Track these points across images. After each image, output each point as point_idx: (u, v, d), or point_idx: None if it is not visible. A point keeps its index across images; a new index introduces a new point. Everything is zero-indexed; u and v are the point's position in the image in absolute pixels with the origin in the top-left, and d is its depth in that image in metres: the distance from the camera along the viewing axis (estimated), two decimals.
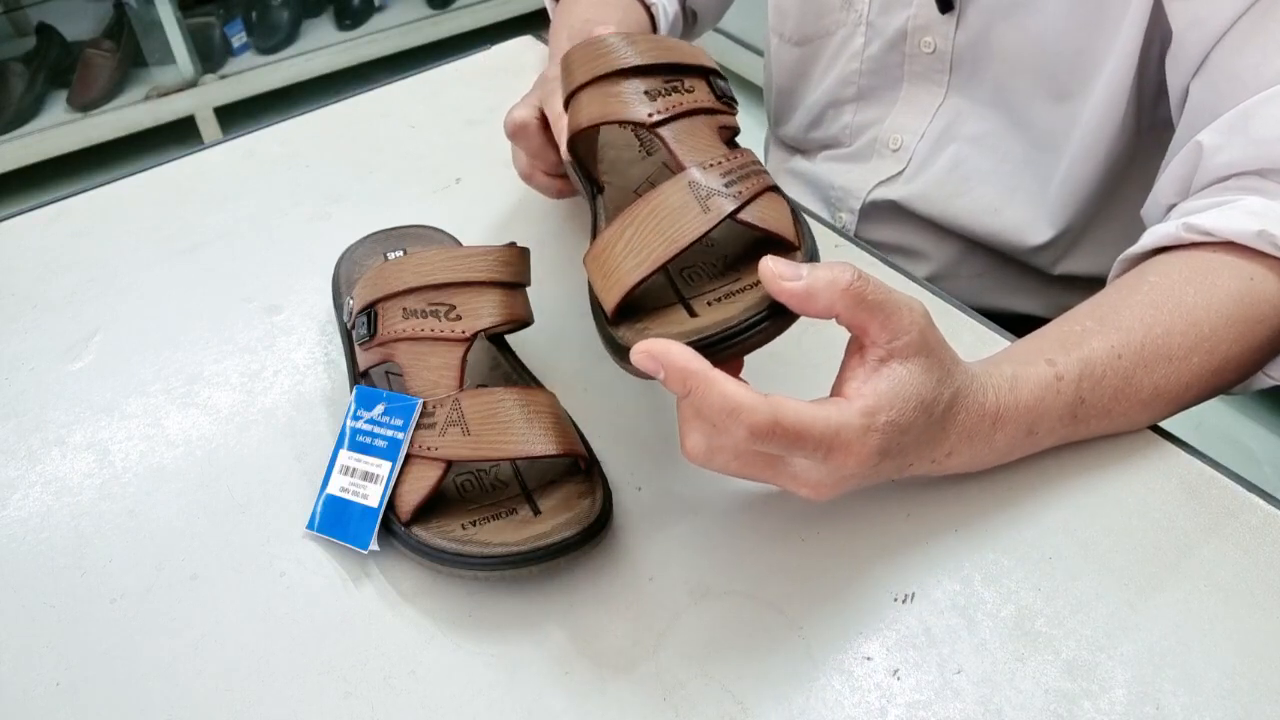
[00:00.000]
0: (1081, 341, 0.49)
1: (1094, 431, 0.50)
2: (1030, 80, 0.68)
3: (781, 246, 0.44)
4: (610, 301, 0.43)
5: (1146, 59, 0.63)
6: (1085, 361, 0.48)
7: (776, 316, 0.41)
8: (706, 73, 0.51)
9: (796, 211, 0.46)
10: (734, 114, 0.51)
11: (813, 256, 0.44)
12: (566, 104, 0.51)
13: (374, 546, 0.46)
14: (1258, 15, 0.53)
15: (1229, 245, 0.52)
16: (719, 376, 0.38)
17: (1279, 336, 0.52)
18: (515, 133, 0.60)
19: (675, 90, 0.49)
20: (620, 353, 0.42)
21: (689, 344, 0.39)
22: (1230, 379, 0.52)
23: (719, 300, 0.44)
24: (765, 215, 0.43)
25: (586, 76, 0.49)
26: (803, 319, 0.41)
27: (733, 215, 0.42)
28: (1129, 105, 0.65)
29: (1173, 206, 0.59)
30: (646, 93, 0.48)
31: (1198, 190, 0.57)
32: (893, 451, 0.41)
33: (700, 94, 0.49)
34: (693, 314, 0.43)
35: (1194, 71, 0.58)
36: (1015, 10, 0.66)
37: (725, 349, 0.40)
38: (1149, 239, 0.55)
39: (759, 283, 0.41)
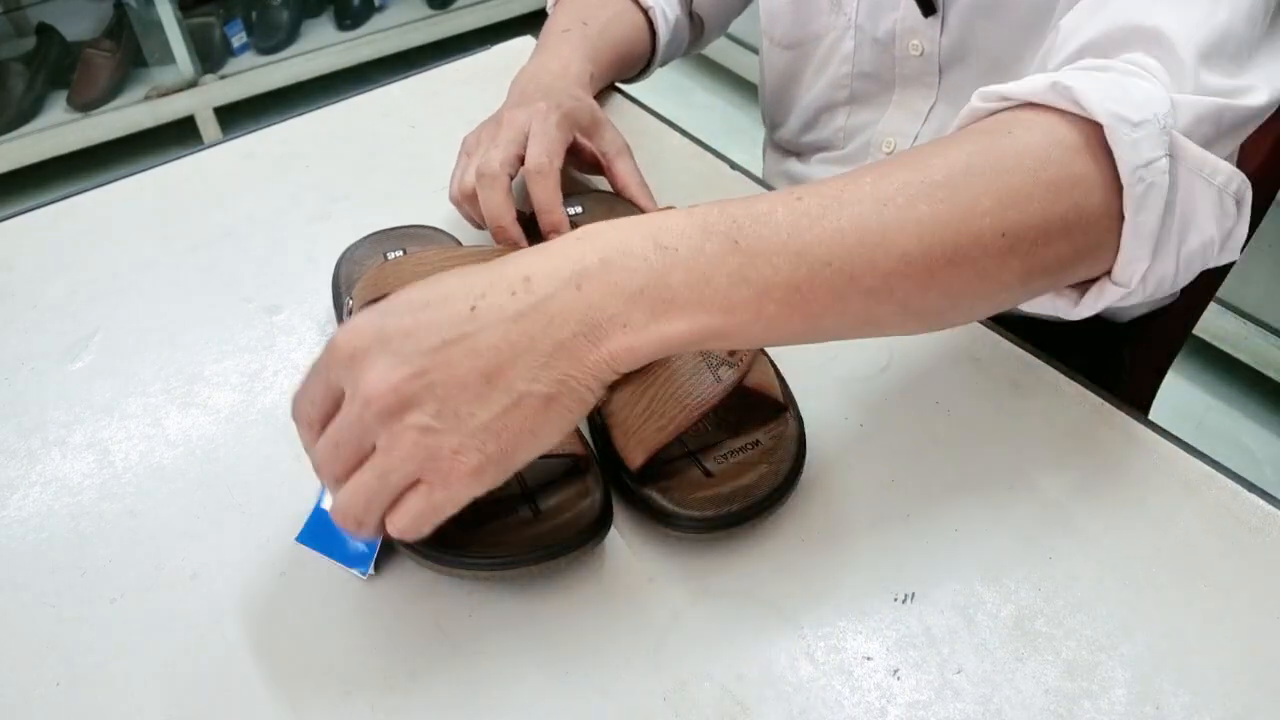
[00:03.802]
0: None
1: (824, 295, 0.40)
2: (1013, 71, 0.68)
3: (768, 405, 0.50)
4: (636, 461, 0.47)
5: None
6: (743, 198, 0.41)
7: (789, 485, 0.47)
8: None
9: (778, 370, 0.53)
10: None
11: (798, 414, 0.51)
12: None
13: (372, 571, 0.46)
14: None
15: (1024, 108, 0.44)
16: None
17: (1063, 199, 0.42)
18: (491, 183, 0.59)
19: None
20: (651, 512, 0.47)
21: (718, 517, 0.45)
22: (1002, 248, 0.41)
23: (727, 458, 0.48)
24: (761, 380, 0.50)
25: None
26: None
27: (738, 382, 0.48)
28: None
29: None
30: None
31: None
32: (385, 315, 0.37)
33: None
34: (708, 474, 0.48)
35: None
36: (994, 10, 0.66)
37: (746, 521, 0.46)
38: (954, 123, 0.48)
39: (759, 442, 0.49)
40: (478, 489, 0.38)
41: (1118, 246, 0.43)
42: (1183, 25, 0.45)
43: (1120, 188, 0.42)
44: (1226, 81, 0.45)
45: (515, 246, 0.58)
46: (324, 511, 0.47)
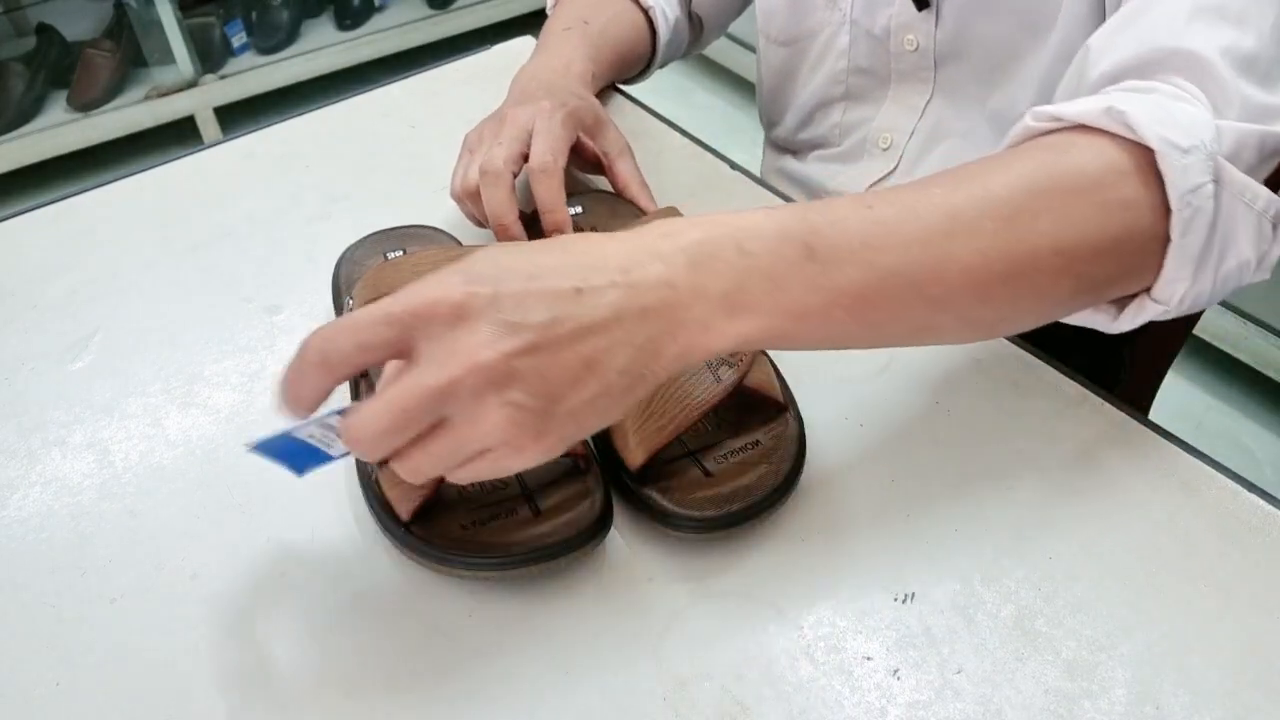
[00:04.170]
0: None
1: (888, 303, 0.41)
2: (1010, 73, 0.68)
3: (768, 405, 0.50)
4: (636, 461, 0.47)
5: (1099, 13, 0.60)
6: (820, 201, 0.42)
7: (789, 485, 0.47)
8: None
9: (778, 370, 0.52)
10: None
11: (798, 414, 0.51)
12: None
13: (310, 476, 0.42)
14: None
15: (1077, 130, 0.46)
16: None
17: (1115, 221, 0.44)
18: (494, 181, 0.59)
19: None
20: (651, 512, 0.47)
21: (718, 517, 0.45)
22: (1057, 266, 0.43)
23: (727, 458, 0.48)
24: (761, 380, 0.50)
25: None
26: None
27: (738, 382, 0.48)
28: None
29: None
30: None
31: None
32: (499, 279, 0.36)
33: None
34: (708, 474, 0.48)
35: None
36: (989, 4, 0.66)
37: (746, 521, 0.46)
38: (1005, 141, 0.49)
39: (759, 442, 0.49)
40: (543, 460, 0.38)
41: (1160, 266, 0.44)
42: (1217, 47, 0.46)
43: (1167, 210, 0.43)
44: (1267, 99, 0.46)
45: None
46: (290, 438, 0.40)
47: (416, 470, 0.37)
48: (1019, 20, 0.65)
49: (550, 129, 0.61)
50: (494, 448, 0.36)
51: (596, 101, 0.68)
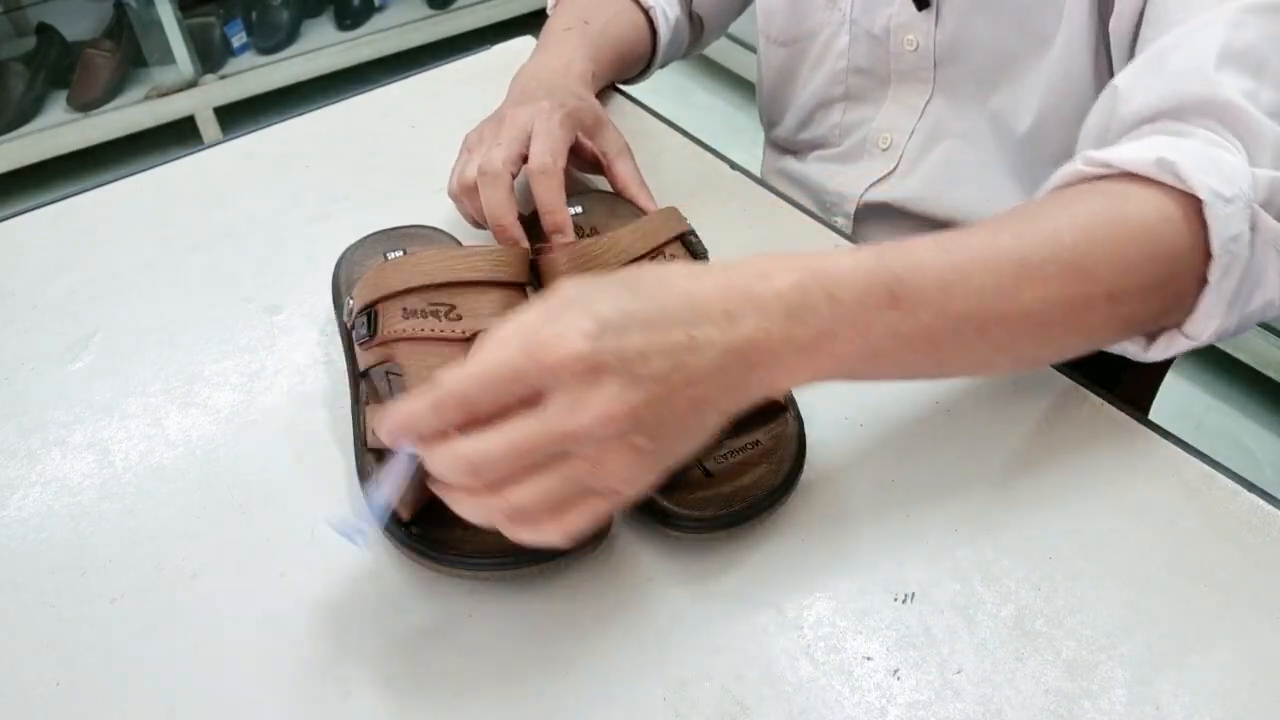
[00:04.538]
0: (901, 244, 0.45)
1: (955, 344, 0.44)
2: (1010, 75, 0.68)
3: (768, 405, 0.48)
4: None
5: (1104, 25, 0.61)
6: (898, 245, 0.44)
7: (789, 485, 0.47)
8: (680, 235, 0.57)
9: None
10: (707, 263, 0.56)
11: (798, 414, 0.51)
12: None
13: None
14: None
15: (1127, 177, 0.48)
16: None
17: (1163, 266, 0.46)
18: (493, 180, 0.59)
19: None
20: (651, 512, 0.47)
21: (718, 517, 0.46)
22: (1108, 310, 0.46)
23: (727, 458, 0.48)
24: None
25: None
26: None
27: None
28: (1094, 77, 0.63)
29: None
30: None
31: (1115, 138, 0.53)
32: (621, 331, 0.38)
33: (682, 259, 0.57)
34: (708, 474, 0.48)
35: (1133, 29, 0.56)
36: (989, 5, 0.66)
37: (746, 521, 0.46)
38: (1049, 182, 0.52)
39: (759, 442, 0.49)
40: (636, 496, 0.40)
41: (1195, 305, 0.47)
42: (1246, 94, 0.48)
43: (1207, 255, 0.46)
44: None
45: (516, 245, 0.58)
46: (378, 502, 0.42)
47: (535, 513, 0.38)
48: (1019, 23, 0.65)
49: (549, 130, 0.61)
50: (603, 490, 0.39)
51: (596, 102, 0.68)
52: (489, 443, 0.37)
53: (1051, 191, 0.50)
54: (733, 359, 0.40)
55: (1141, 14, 0.55)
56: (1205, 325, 0.48)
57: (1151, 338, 0.50)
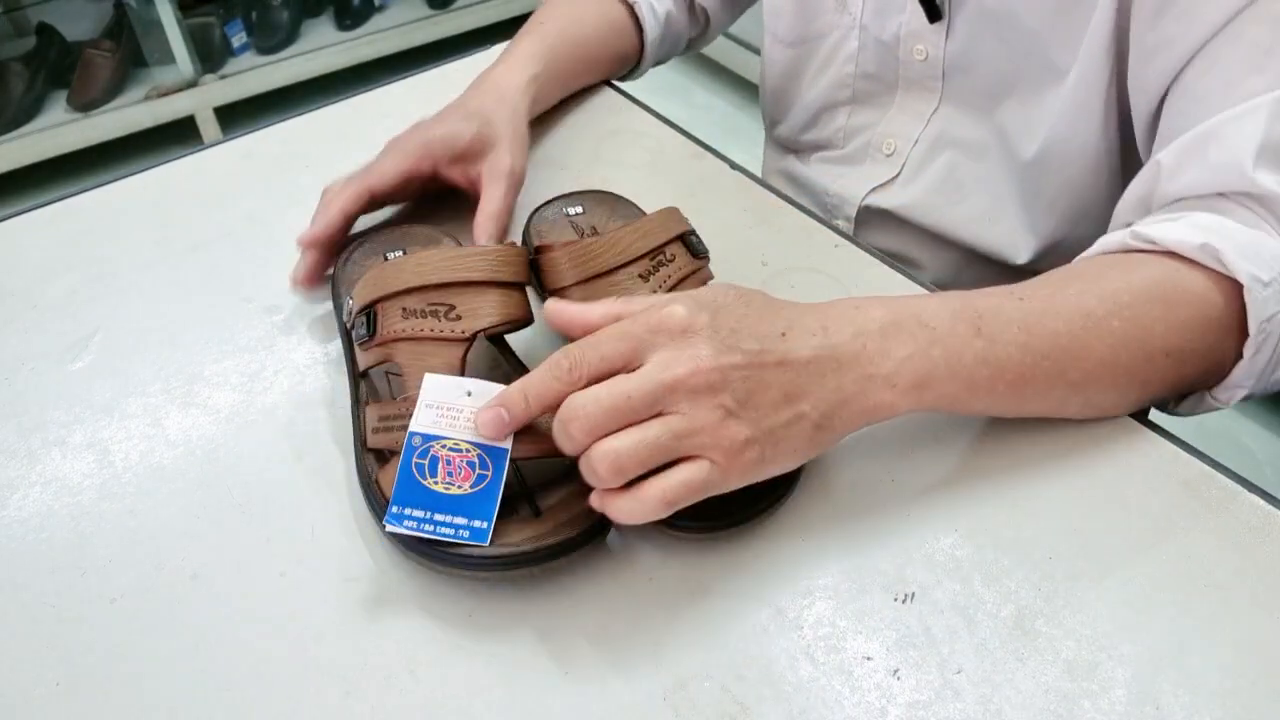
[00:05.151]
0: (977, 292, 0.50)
1: (1038, 379, 0.48)
2: (1016, 94, 0.68)
3: None
4: None
5: (1119, 70, 0.62)
6: (975, 291, 0.49)
7: (789, 485, 0.48)
8: (681, 235, 0.58)
9: None
10: (708, 263, 0.58)
11: None
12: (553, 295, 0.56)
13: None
14: (1229, 36, 0.53)
15: (1172, 255, 0.51)
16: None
17: (1209, 334, 0.50)
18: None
19: (661, 264, 0.56)
20: (666, 520, 0.46)
21: (720, 517, 0.46)
22: (1164, 365, 0.50)
23: None
24: None
25: (577, 278, 0.55)
26: None
27: None
28: (1104, 117, 0.64)
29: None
30: (640, 275, 0.55)
31: (1157, 210, 0.56)
32: (716, 311, 0.43)
33: (682, 259, 0.57)
34: None
35: (1162, 95, 0.57)
36: (1002, 22, 0.66)
37: (746, 521, 0.47)
38: (1095, 248, 0.55)
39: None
40: (741, 484, 0.43)
41: (1227, 374, 0.52)
42: None
43: (1244, 332, 0.50)
44: None
45: (514, 246, 0.58)
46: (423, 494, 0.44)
47: (618, 454, 0.41)
48: (1030, 48, 0.65)
49: (375, 163, 0.64)
50: (703, 454, 0.41)
51: (502, 120, 0.66)
52: (591, 392, 0.41)
53: (1100, 256, 0.54)
54: (826, 359, 0.44)
55: (1170, 73, 0.56)
56: (1233, 393, 0.53)
57: (1181, 396, 0.54)
